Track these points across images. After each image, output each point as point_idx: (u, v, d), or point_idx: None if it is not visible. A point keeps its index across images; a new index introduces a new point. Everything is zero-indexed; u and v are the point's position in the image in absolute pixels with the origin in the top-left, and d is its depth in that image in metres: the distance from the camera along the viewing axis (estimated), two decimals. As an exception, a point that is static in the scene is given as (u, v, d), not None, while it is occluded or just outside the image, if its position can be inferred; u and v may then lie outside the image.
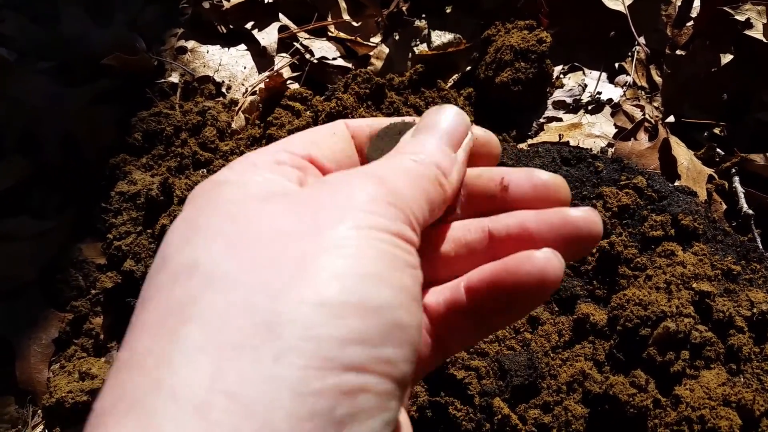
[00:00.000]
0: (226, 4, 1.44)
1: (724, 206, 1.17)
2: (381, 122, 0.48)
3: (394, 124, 0.47)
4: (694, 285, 0.90)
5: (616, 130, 1.29)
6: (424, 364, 0.43)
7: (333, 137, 0.46)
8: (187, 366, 0.29)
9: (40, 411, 1.06)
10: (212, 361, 0.29)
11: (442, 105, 0.46)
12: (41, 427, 1.05)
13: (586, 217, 0.41)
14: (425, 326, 0.43)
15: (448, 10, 1.40)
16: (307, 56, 1.38)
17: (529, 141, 1.27)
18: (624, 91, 1.36)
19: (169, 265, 0.34)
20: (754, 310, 0.91)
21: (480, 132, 0.47)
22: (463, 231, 0.45)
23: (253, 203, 0.36)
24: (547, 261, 0.39)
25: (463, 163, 0.45)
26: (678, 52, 1.39)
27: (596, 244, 0.43)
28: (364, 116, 1.24)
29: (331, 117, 1.20)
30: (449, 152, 0.43)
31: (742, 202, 1.17)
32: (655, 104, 1.36)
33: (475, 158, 0.47)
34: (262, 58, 1.40)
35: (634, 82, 1.38)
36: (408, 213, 0.36)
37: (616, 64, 1.41)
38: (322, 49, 1.39)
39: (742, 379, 0.86)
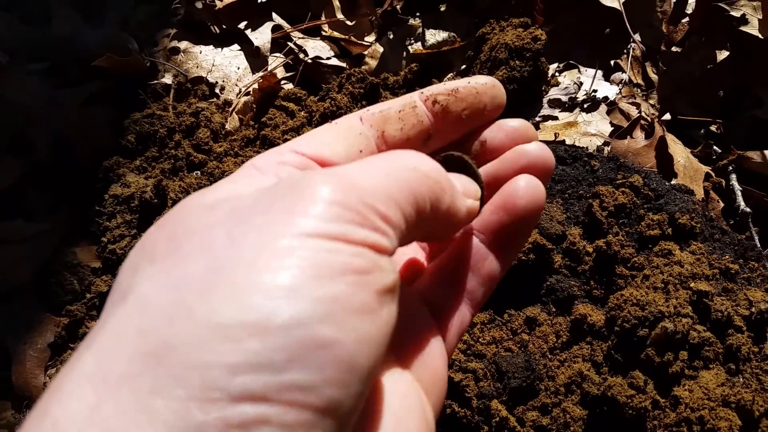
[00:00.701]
0: (219, 4, 1.43)
1: (721, 204, 1.17)
2: (390, 105, 0.48)
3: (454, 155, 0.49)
4: (692, 284, 0.90)
5: (612, 128, 1.28)
6: (456, 327, 0.47)
7: (342, 133, 0.44)
8: (73, 396, 0.27)
9: (35, 416, 1.05)
10: (96, 391, 0.27)
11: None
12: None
13: (538, 148, 0.48)
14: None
15: (442, 9, 1.40)
16: (301, 56, 1.37)
17: (525, 140, 1.27)
18: (620, 89, 1.35)
19: (112, 295, 0.33)
20: (753, 310, 0.91)
21: (517, 123, 0.51)
22: None
23: (200, 211, 0.34)
24: (528, 180, 0.46)
25: (474, 212, 0.45)
26: (673, 48, 1.38)
27: (551, 172, 0.49)
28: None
29: (325, 117, 1.19)
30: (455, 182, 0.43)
31: (740, 200, 1.17)
32: (651, 102, 1.35)
33: (485, 105, 0.50)
34: (255, 58, 1.39)
35: (629, 79, 1.38)
36: (365, 211, 0.32)
37: (612, 62, 1.41)
38: (316, 48, 1.38)
39: (741, 379, 0.86)
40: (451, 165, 0.49)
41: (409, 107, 0.48)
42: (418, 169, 0.37)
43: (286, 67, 1.38)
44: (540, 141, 0.49)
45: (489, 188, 0.49)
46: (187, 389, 0.26)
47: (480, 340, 0.92)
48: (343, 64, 1.36)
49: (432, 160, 0.39)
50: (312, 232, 0.30)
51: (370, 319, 0.30)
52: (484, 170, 0.49)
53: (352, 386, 0.29)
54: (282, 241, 0.30)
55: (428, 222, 0.38)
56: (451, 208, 0.40)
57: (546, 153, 0.48)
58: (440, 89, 0.49)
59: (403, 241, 0.36)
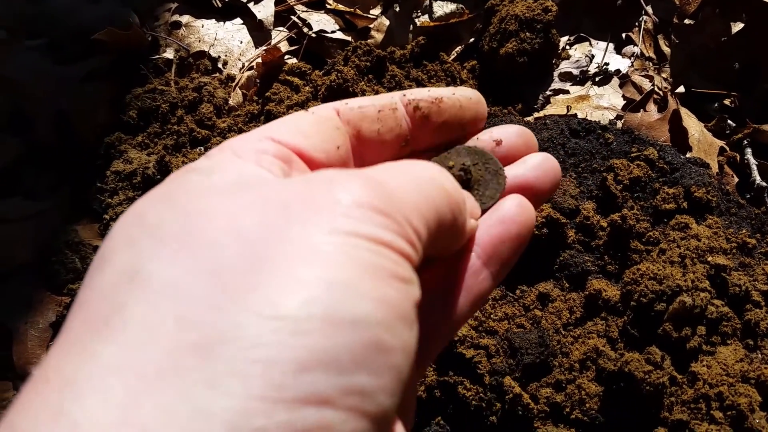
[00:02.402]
0: (221, -23, 1.39)
1: (736, 179, 1.14)
2: (370, 102, 0.45)
3: (458, 150, 0.49)
4: (710, 258, 0.88)
5: (625, 101, 1.25)
6: (436, 342, 0.42)
7: (321, 125, 0.42)
8: (96, 393, 0.24)
9: (38, 396, 1.03)
10: (127, 388, 0.23)
11: None
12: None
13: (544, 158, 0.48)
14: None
15: (450, -20, 1.36)
16: (305, 29, 1.34)
17: (536, 114, 1.24)
18: (632, 62, 1.32)
19: (108, 268, 0.29)
20: (771, 284, 0.89)
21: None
22: None
23: (215, 197, 0.31)
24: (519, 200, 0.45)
25: (472, 231, 0.44)
26: (686, 21, 1.35)
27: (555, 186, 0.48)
28: (365, 91, 1.20)
29: (331, 91, 1.16)
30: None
31: (755, 174, 1.14)
32: (664, 75, 1.32)
33: (467, 120, 0.49)
34: (258, 32, 1.36)
35: (641, 52, 1.34)
36: (404, 223, 0.31)
37: (623, 35, 1.37)
38: (321, 21, 1.35)
39: (759, 355, 0.84)
40: (474, 156, 0.47)
41: (389, 108, 0.45)
42: (444, 187, 0.36)
43: (290, 41, 1.35)
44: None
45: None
46: (248, 387, 0.23)
47: (492, 316, 0.89)
48: (348, 38, 1.33)
49: (452, 179, 0.38)
50: (359, 233, 0.29)
51: (411, 329, 0.29)
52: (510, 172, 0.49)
53: (397, 395, 0.28)
54: (333, 238, 0.28)
55: (440, 240, 0.37)
56: (461, 228, 0.39)
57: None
58: (424, 95, 0.47)
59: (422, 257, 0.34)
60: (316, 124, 0.41)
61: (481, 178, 0.48)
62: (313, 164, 0.40)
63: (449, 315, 0.43)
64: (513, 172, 0.48)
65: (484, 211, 0.47)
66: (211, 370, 0.24)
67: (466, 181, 0.47)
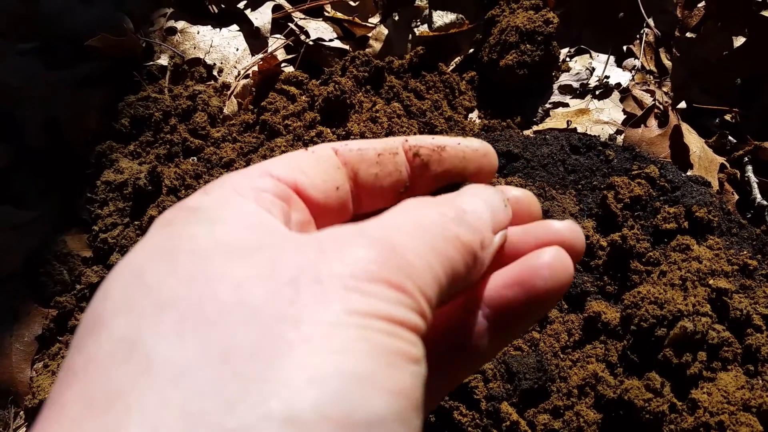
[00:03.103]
0: (217, -18, 1.37)
1: (736, 197, 1.13)
2: (369, 146, 0.43)
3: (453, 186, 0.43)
4: (711, 282, 0.86)
5: (625, 116, 1.24)
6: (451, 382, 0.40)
7: (321, 164, 0.40)
8: None
9: (22, 412, 1.01)
10: None
11: (499, 186, 0.42)
12: (24, 429, 1.00)
13: (570, 228, 0.40)
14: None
15: (449, -10, 1.34)
16: (303, 37, 1.32)
17: (535, 127, 1.22)
18: (632, 76, 1.30)
19: (104, 333, 0.27)
20: (773, 308, 0.87)
21: (520, 193, 0.44)
22: None
23: (220, 259, 0.29)
24: (556, 253, 0.38)
25: (497, 249, 0.39)
26: (688, 34, 1.33)
27: (580, 257, 0.41)
28: (363, 102, 1.18)
29: (328, 102, 1.14)
30: (490, 231, 0.37)
31: (756, 192, 1.13)
32: (665, 89, 1.31)
33: (469, 172, 0.44)
34: (255, 39, 1.34)
35: (642, 65, 1.33)
36: (418, 295, 0.30)
37: (624, 47, 1.36)
38: (318, 29, 1.33)
39: (761, 382, 0.82)
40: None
41: (389, 153, 0.42)
42: (458, 238, 0.34)
43: (287, 49, 1.33)
44: (570, 221, 0.42)
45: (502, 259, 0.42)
46: None
47: (489, 337, 0.88)
48: (346, 47, 1.31)
49: (469, 218, 0.35)
50: (375, 313, 0.27)
51: (420, 416, 0.28)
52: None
53: None
54: (347, 318, 0.27)
55: (453, 289, 0.34)
56: (480, 268, 0.36)
57: (578, 235, 0.40)
58: (426, 142, 0.43)
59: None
60: (316, 163, 0.40)
61: None
62: (311, 204, 0.38)
63: (466, 351, 0.40)
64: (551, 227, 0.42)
65: None
66: None
67: None
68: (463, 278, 0.34)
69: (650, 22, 1.36)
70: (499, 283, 0.39)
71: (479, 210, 0.37)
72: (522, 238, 0.40)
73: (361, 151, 0.42)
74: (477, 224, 0.36)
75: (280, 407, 0.24)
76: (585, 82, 1.28)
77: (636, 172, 1.01)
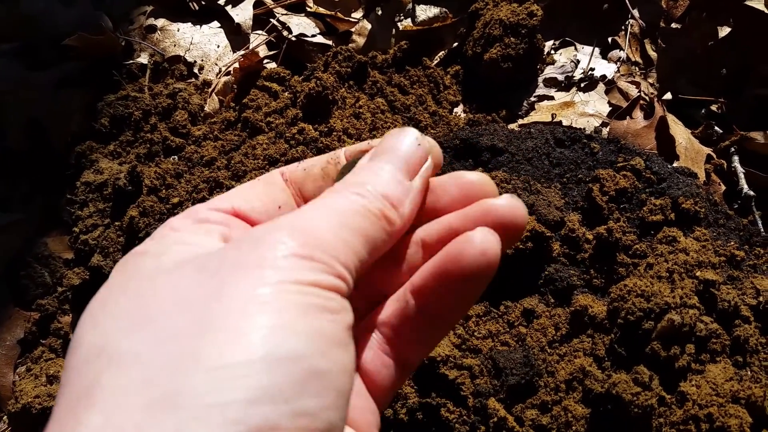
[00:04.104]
0: (197, -21, 1.35)
1: (723, 187, 1.12)
2: (314, 162, 0.47)
3: (360, 156, 0.45)
4: (698, 273, 0.85)
5: (610, 108, 1.23)
6: (387, 390, 0.43)
7: (264, 187, 0.46)
8: None
9: (5, 417, 0.99)
10: None
11: (403, 128, 0.44)
12: (7, 433, 0.98)
13: (507, 203, 0.42)
14: (380, 346, 0.43)
15: (432, -17, 1.33)
16: (285, 33, 1.30)
17: (520, 121, 1.21)
18: (617, 67, 1.30)
19: (79, 349, 0.34)
20: (760, 299, 0.86)
21: (474, 177, 0.45)
22: (399, 247, 0.45)
23: (162, 276, 0.36)
24: (483, 236, 0.39)
25: (420, 191, 0.43)
26: (673, 25, 1.33)
27: (522, 230, 0.42)
28: (346, 97, 1.17)
29: (310, 99, 1.13)
30: (404, 180, 0.42)
31: (743, 182, 1.12)
32: (650, 80, 1.30)
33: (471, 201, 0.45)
34: (236, 35, 1.32)
35: (627, 57, 1.32)
36: (329, 260, 0.35)
37: (609, 39, 1.35)
38: (301, 25, 1.31)
39: (749, 373, 0.82)
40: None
41: (332, 163, 0.47)
42: (369, 210, 0.39)
43: (269, 45, 1.31)
44: (509, 194, 0.43)
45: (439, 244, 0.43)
46: (210, 427, 0.28)
47: (475, 334, 0.87)
48: (329, 42, 1.29)
49: (381, 199, 0.39)
50: (287, 280, 0.33)
51: (346, 351, 0.34)
52: (437, 223, 0.44)
53: (342, 409, 0.33)
54: (264, 289, 0.32)
55: (380, 251, 0.40)
56: (400, 231, 0.41)
57: (518, 211, 0.41)
58: (362, 147, 0.47)
59: (358, 279, 0.38)
60: (259, 189, 0.45)
61: None
62: (254, 222, 0.43)
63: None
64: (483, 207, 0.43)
65: None
66: (177, 419, 0.28)
67: None
68: (385, 236, 0.39)
69: (635, 13, 1.35)
70: (425, 274, 0.42)
71: (380, 174, 0.41)
72: (463, 223, 0.42)
73: (306, 170, 0.47)
74: (380, 188, 0.40)
75: (212, 361, 0.29)
76: (570, 74, 1.27)
77: (621, 164, 1.00)
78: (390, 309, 0.43)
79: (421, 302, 0.42)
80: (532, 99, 1.25)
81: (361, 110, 1.13)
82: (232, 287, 0.32)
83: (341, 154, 0.47)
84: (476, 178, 0.44)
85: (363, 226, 0.38)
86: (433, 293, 0.41)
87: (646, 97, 1.22)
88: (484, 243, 0.39)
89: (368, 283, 0.44)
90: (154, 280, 0.36)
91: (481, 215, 0.42)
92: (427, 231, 0.44)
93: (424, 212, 0.45)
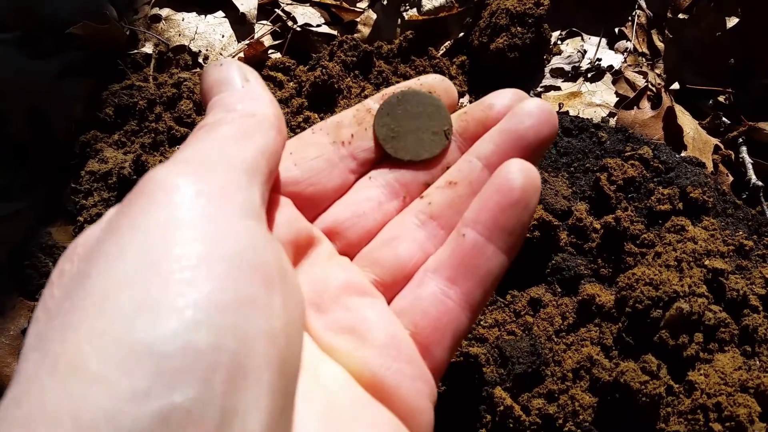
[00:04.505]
0: (202, -31, 1.34)
1: (731, 178, 1.12)
2: (345, 113, 0.52)
3: (396, 96, 0.47)
4: (707, 262, 0.85)
5: (618, 98, 1.22)
6: (447, 346, 0.46)
7: (293, 146, 0.51)
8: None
9: (10, 406, 0.99)
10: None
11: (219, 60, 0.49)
12: (12, 422, 0.98)
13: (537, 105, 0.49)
14: (442, 291, 0.47)
15: (438, -27, 1.32)
16: (290, 23, 1.29)
17: (526, 111, 1.20)
18: (625, 58, 1.29)
19: (57, 281, 0.35)
20: (769, 288, 0.86)
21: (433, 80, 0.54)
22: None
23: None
24: (520, 166, 0.45)
25: (258, 82, 0.48)
26: (681, 15, 1.31)
27: (554, 134, 0.49)
28: (351, 87, 1.16)
29: (315, 87, 1.12)
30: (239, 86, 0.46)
31: (751, 173, 1.11)
32: (657, 71, 1.29)
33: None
34: (241, 25, 1.32)
35: (634, 48, 1.31)
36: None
37: (616, 29, 1.34)
38: (306, 15, 1.30)
39: (758, 362, 0.81)
40: (412, 102, 0.48)
41: (363, 111, 0.50)
42: (256, 115, 0.43)
43: (274, 35, 1.31)
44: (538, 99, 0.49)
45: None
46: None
47: (481, 323, 0.86)
48: (334, 32, 1.29)
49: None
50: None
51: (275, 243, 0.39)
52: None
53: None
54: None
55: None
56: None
57: (548, 114, 0.49)
58: (391, 89, 0.53)
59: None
60: (288, 146, 0.51)
61: (419, 129, 0.49)
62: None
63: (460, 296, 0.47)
64: (504, 127, 0.49)
65: (420, 162, 0.49)
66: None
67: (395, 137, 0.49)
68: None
69: (642, 3, 1.34)
70: (482, 198, 0.47)
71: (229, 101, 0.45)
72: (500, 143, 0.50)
73: (336, 121, 0.50)
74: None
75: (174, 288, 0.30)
76: (577, 65, 1.26)
77: (629, 153, 0.99)
78: (449, 247, 0.46)
79: (478, 232, 0.45)
80: (539, 89, 1.24)
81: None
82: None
83: (370, 102, 0.50)
84: (510, 97, 0.53)
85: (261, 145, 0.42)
86: (487, 222, 0.45)
87: (654, 88, 1.21)
88: (522, 172, 0.45)
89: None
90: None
91: (515, 123, 0.49)
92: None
93: (488, 125, 0.51)
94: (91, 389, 0.25)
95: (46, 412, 0.25)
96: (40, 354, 0.28)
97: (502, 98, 0.51)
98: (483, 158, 0.48)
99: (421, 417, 0.42)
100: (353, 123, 0.45)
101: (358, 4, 1.33)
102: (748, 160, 1.13)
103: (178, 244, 0.31)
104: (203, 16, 1.33)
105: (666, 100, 1.16)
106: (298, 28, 1.28)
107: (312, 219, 0.50)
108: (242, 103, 0.44)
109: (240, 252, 0.32)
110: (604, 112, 1.18)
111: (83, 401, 0.25)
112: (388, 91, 0.48)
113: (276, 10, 1.32)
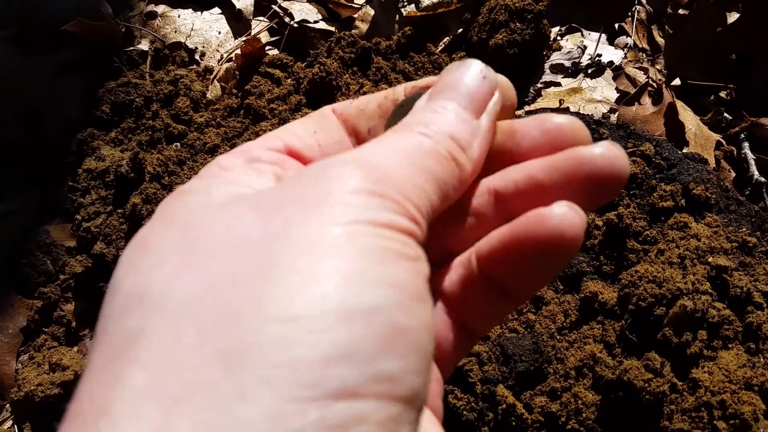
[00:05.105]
0: (199, -35, 1.33)
1: (733, 174, 1.11)
2: (369, 99, 0.42)
3: (418, 93, 0.40)
4: (710, 259, 0.84)
5: (618, 94, 1.21)
6: (450, 358, 0.38)
7: (316, 123, 0.41)
8: (131, 419, 0.23)
9: (8, 405, 0.98)
10: (160, 409, 0.23)
11: (464, 60, 0.38)
12: (10, 422, 0.97)
13: (605, 153, 0.33)
14: (444, 312, 0.38)
15: (437, -32, 1.31)
16: (287, 19, 1.28)
17: (527, 107, 1.20)
18: (625, 54, 1.28)
19: (117, 295, 0.29)
20: (773, 285, 0.85)
21: (502, 80, 0.39)
22: (465, 195, 0.38)
23: (212, 211, 0.31)
24: (562, 218, 0.32)
25: (489, 130, 0.36)
26: (681, 11, 1.31)
27: (623, 183, 0.34)
28: (350, 84, 1.15)
29: (314, 84, 1.11)
30: (470, 120, 0.35)
31: (753, 169, 1.10)
32: (658, 66, 1.28)
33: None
34: (237, 21, 1.31)
35: (635, 43, 1.30)
36: (402, 201, 0.30)
37: (616, 25, 1.33)
38: (303, 11, 1.29)
39: (762, 360, 0.81)
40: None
41: (390, 100, 0.41)
42: (438, 152, 0.33)
43: (271, 31, 1.30)
44: (608, 141, 0.35)
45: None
46: (276, 391, 0.23)
47: (483, 320, 0.85)
48: (332, 28, 1.28)
49: (449, 140, 0.34)
50: (359, 219, 0.28)
51: (426, 306, 0.29)
52: (517, 170, 0.37)
53: (424, 373, 0.28)
54: (334, 229, 0.28)
55: (449, 199, 0.35)
56: (468, 178, 0.36)
57: (620, 162, 0.34)
58: (424, 82, 0.41)
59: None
60: (310, 124, 0.40)
61: None
62: (307, 160, 0.39)
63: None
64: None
65: None
66: (239, 380, 0.24)
67: None
68: (456, 181, 0.34)
69: (642, -2, 1.33)
70: (493, 242, 0.35)
71: (443, 114, 0.35)
72: (547, 173, 0.34)
73: (361, 108, 0.41)
74: (446, 129, 0.35)
75: (281, 310, 0.25)
76: (577, 60, 1.25)
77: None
78: (456, 274, 0.38)
79: (488, 271, 0.36)
80: (539, 85, 1.23)
81: (365, 96, 1.12)
82: (298, 226, 0.28)
83: (401, 91, 0.41)
84: (565, 121, 0.36)
85: (433, 168, 0.33)
86: (502, 265, 0.35)
87: (654, 84, 1.21)
88: (560, 223, 0.32)
89: (431, 238, 0.35)
90: (204, 217, 0.31)
91: (573, 167, 0.34)
92: (503, 179, 0.37)
93: (497, 159, 0.38)
94: None
95: None
96: None
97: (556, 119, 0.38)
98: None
99: (437, 417, 0.41)
100: (374, 115, 0.41)
101: (355, 1, 1.32)
102: (750, 155, 1.13)
103: None
104: (199, 12, 1.32)
105: (667, 96, 1.15)
106: (296, 25, 1.27)
107: None
108: (460, 141, 0.35)
109: None
110: (605, 108, 1.18)
111: None
112: (416, 84, 0.42)
113: (273, 6, 1.31)
